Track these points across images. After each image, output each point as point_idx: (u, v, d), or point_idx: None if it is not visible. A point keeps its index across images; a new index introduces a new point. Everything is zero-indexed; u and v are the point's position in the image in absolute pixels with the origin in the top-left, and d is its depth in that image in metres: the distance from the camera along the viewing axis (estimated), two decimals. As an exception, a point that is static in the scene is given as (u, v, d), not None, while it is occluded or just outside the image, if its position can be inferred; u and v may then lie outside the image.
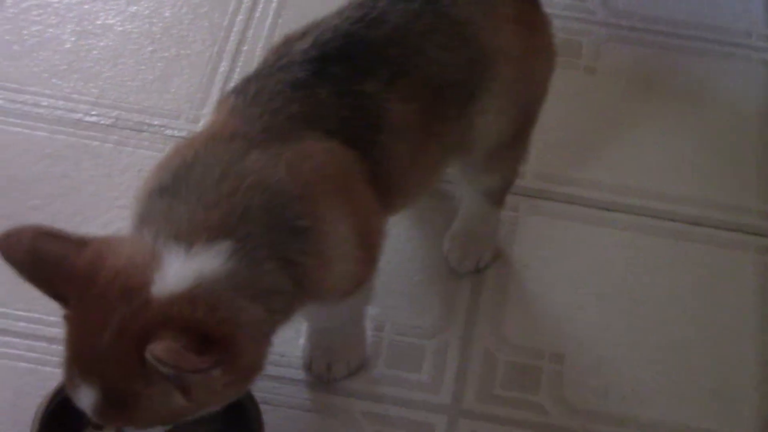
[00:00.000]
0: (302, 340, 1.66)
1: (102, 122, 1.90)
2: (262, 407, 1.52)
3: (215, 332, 1.26)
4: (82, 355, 1.28)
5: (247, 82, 1.46)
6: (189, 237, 1.30)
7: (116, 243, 1.32)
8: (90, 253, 1.29)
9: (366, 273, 1.48)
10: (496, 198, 1.74)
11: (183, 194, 1.34)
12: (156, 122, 1.91)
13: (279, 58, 1.46)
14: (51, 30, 2.02)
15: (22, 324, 1.66)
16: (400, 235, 1.81)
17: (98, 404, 1.29)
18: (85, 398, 1.30)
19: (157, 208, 1.35)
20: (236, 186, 1.33)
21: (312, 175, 1.37)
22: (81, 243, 1.29)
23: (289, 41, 1.48)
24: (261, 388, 1.56)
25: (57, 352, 1.32)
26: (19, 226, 1.27)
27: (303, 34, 1.47)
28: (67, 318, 1.29)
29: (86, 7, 2.06)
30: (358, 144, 1.42)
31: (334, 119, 1.41)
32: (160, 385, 1.25)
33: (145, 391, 1.27)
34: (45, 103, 1.92)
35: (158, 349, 1.20)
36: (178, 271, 1.28)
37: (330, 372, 1.65)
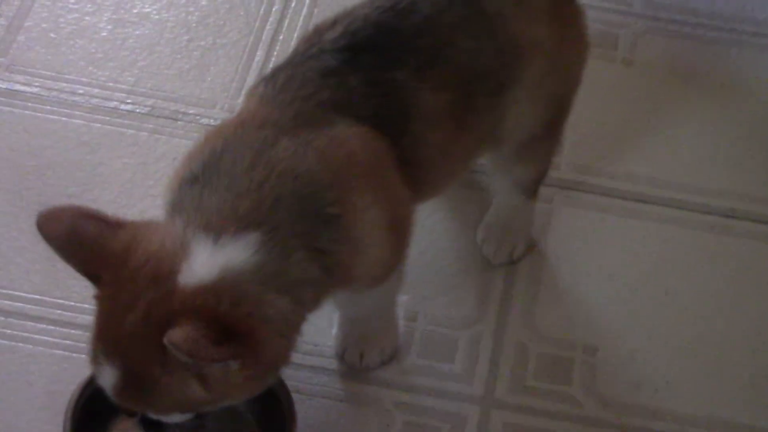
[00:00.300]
0: (335, 330, 1.66)
1: (138, 111, 1.91)
2: (295, 397, 1.53)
3: (238, 326, 1.26)
4: (107, 335, 1.30)
5: (277, 70, 1.46)
6: (217, 227, 1.30)
7: (151, 228, 1.33)
8: (125, 235, 1.30)
9: (396, 259, 1.48)
10: (530, 189, 1.74)
11: (213, 183, 1.34)
12: (191, 111, 1.91)
13: (309, 47, 1.46)
14: (87, 18, 2.02)
15: (57, 312, 1.67)
16: (434, 226, 1.81)
17: (118, 384, 1.30)
18: (107, 377, 1.31)
19: (188, 197, 1.35)
20: (266, 174, 1.33)
21: (342, 163, 1.38)
22: (117, 225, 1.31)
23: (319, 30, 1.48)
24: (293, 378, 1.57)
25: (91, 340, 1.34)
26: (60, 205, 1.30)
27: (333, 23, 1.47)
28: (98, 298, 1.31)
29: (122, 9, 2.05)
30: (388, 131, 1.42)
31: (364, 106, 1.41)
32: (178, 373, 1.27)
33: (162, 377, 1.27)
34: (81, 91, 1.92)
35: (176, 336, 1.21)
36: (205, 262, 1.28)
37: (362, 361, 1.65)
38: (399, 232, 1.46)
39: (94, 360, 1.32)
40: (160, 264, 1.29)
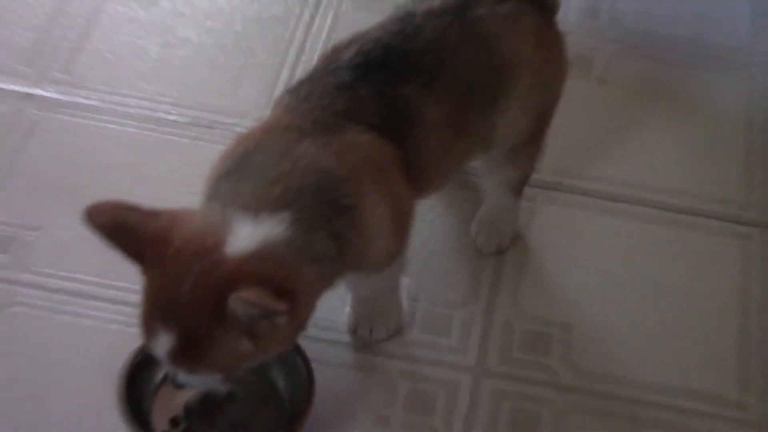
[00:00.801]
0: (347, 309, 1.69)
1: (181, 120, 1.94)
2: (314, 365, 1.56)
3: (284, 286, 1.28)
4: (162, 305, 1.30)
5: (300, 84, 1.48)
6: (255, 207, 1.32)
7: (188, 213, 1.35)
8: (163, 220, 1.31)
9: (398, 247, 1.50)
10: (516, 189, 1.76)
11: (247, 175, 1.37)
12: (227, 121, 1.95)
13: (328, 64, 1.48)
14: (139, 41, 2.05)
15: (112, 292, 1.70)
16: (435, 221, 1.83)
17: (174, 348, 1.31)
18: (163, 344, 1.31)
19: (225, 187, 1.37)
20: (292, 167, 1.35)
21: (356, 162, 1.40)
22: (154, 213, 1.32)
23: (336, 50, 1.50)
24: (313, 350, 1.58)
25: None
26: (102, 200, 1.31)
27: (349, 43, 1.49)
28: (145, 275, 1.32)
29: (169, 22, 2.08)
30: (394, 136, 1.44)
31: (374, 115, 1.43)
32: (232, 330, 1.28)
33: (219, 335, 1.29)
34: (133, 104, 1.95)
35: (246, 295, 1.23)
36: (248, 234, 1.30)
37: (371, 335, 1.68)
38: (401, 224, 1.49)
39: (149, 330, 1.32)
40: (204, 239, 1.30)
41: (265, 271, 1.28)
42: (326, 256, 1.36)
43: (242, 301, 1.23)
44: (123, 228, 1.31)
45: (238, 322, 1.26)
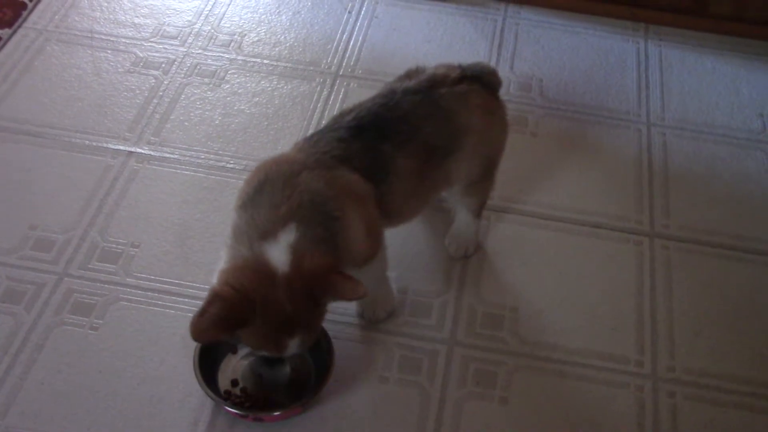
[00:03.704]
0: None
1: (237, 167, 1.90)
2: (333, 341, 1.55)
3: (327, 258, 1.30)
4: (285, 323, 1.29)
5: (313, 134, 1.47)
6: (273, 230, 1.30)
7: (236, 269, 1.30)
8: (238, 294, 1.27)
9: (372, 252, 1.45)
10: (476, 212, 1.73)
11: (260, 203, 1.33)
12: None
13: (333, 123, 1.46)
14: (207, 113, 2.02)
15: (189, 290, 1.67)
16: (419, 234, 1.80)
17: (298, 344, 1.33)
18: (292, 348, 1.32)
19: (244, 220, 1.34)
20: (293, 191, 1.33)
21: (341, 187, 1.37)
22: (229, 298, 1.26)
23: (342, 114, 1.48)
24: (332, 330, 1.57)
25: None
26: (199, 318, 1.26)
27: (350, 110, 1.48)
28: (251, 327, 1.29)
29: (228, 99, 2.05)
30: (373, 180, 1.42)
31: (359, 162, 1.41)
32: (322, 315, 1.34)
33: (320, 317, 1.34)
34: (203, 157, 1.93)
35: (339, 286, 1.28)
36: (280, 253, 1.29)
37: (374, 315, 1.64)
38: (374, 236, 1.44)
39: (279, 347, 1.32)
40: (264, 277, 1.27)
41: (312, 258, 1.28)
42: (327, 241, 1.33)
43: (339, 286, 1.27)
44: (228, 324, 1.28)
45: (324, 306, 1.31)
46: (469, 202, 1.70)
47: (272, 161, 1.41)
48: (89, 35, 2.19)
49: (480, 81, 1.54)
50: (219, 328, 1.25)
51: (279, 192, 1.33)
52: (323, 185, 1.35)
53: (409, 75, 1.55)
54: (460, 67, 1.55)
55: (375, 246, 1.46)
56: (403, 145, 1.44)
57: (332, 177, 1.37)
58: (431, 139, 1.48)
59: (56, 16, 2.23)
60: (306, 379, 1.54)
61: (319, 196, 1.33)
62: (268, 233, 1.30)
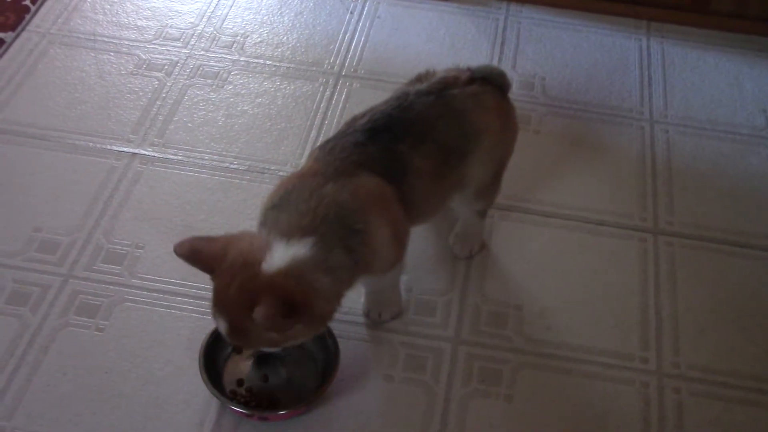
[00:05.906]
0: (362, 299, 1.65)
1: (240, 168, 1.90)
2: (339, 339, 1.55)
3: (299, 299, 1.27)
4: (219, 301, 1.32)
5: (327, 141, 1.47)
6: (288, 233, 1.32)
7: (241, 236, 1.35)
8: (222, 242, 1.33)
9: (396, 259, 1.48)
10: (482, 213, 1.74)
11: (286, 208, 1.36)
12: (273, 168, 1.91)
13: (347, 128, 1.47)
14: (210, 114, 2.02)
15: (194, 291, 1.68)
16: (425, 234, 1.80)
17: (228, 331, 1.33)
18: (221, 327, 1.34)
19: (270, 217, 1.37)
20: (318, 203, 1.34)
21: (365, 197, 1.38)
22: (215, 239, 1.34)
23: (355, 118, 1.49)
24: (338, 328, 1.58)
25: (212, 307, 1.35)
26: (184, 238, 1.34)
27: (363, 114, 1.48)
28: (213, 280, 1.34)
29: (231, 100, 2.05)
30: (393, 181, 1.42)
31: (379, 165, 1.42)
32: (259, 327, 1.29)
33: (251, 327, 1.30)
34: (207, 158, 1.93)
35: (259, 315, 1.24)
36: (281, 255, 1.30)
37: (380, 317, 1.64)
38: (399, 241, 1.46)
39: (214, 317, 1.35)
40: (249, 256, 1.30)
41: (287, 286, 1.28)
42: (343, 266, 1.34)
43: (260, 315, 1.24)
44: (196, 252, 1.33)
45: (261, 324, 1.27)
46: (477, 205, 1.71)
47: (297, 175, 1.43)
48: (92, 38, 2.20)
49: (490, 83, 1.55)
50: (191, 252, 1.32)
51: (305, 201, 1.34)
52: (348, 197, 1.35)
53: (419, 78, 1.56)
54: (469, 69, 1.56)
55: (401, 250, 1.47)
56: (418, 145, 1.44)
57: (356, 187, 1.37)
58: (446, 139, 1.48)
59: (59, 20, 2.25)
60: (313, 378, 1.55)
61: (344, 210, 1.34)
62: (284, 234, 1.32)
